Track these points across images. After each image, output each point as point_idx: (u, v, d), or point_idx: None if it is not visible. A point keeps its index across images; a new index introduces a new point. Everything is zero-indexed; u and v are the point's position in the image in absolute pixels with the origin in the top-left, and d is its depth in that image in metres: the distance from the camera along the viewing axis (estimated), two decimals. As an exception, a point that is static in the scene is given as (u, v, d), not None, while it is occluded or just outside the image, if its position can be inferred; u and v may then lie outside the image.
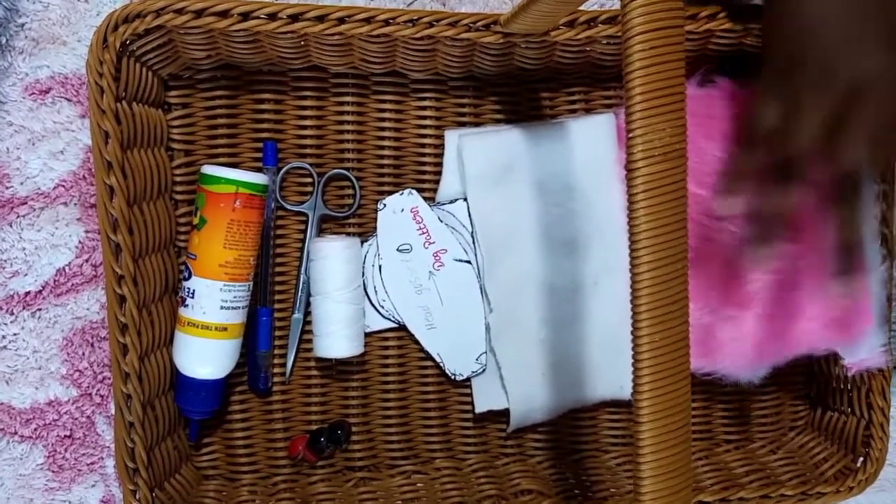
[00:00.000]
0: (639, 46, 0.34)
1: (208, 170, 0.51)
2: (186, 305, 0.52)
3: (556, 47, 0.53)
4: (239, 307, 0.53)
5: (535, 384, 0.58)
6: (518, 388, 0.58)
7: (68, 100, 0.54)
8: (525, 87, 0.59)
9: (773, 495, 0.58)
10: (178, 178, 0.55)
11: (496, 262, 0.57)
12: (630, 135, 0.35)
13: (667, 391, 0.36)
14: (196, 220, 0.52)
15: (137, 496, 0.51)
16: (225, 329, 0.52)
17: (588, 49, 0.54)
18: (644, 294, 0.35)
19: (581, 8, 0.50)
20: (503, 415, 0.59)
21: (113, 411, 0.52)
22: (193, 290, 0.52)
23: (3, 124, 0.53)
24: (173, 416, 0.54)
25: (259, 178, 0.52)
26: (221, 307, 0.52)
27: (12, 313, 0.55)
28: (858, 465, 0.59)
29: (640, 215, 0.35)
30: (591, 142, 0.57)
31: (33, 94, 0.54)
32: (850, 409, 0.61)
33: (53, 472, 0.57)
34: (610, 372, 0.59)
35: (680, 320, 0.36)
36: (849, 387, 0.60)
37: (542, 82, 0.59)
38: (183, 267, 0.53)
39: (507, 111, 0.59)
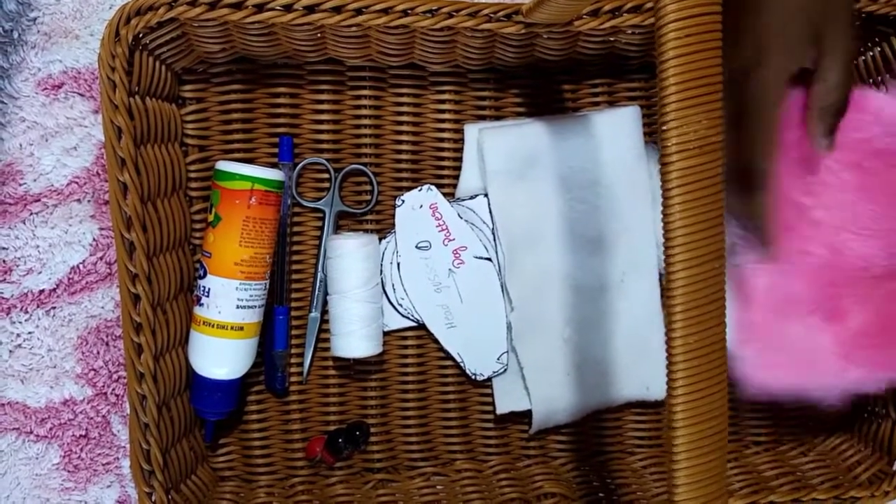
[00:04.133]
0: (673, 34, 0.32)
1: (223, 166, 0.50)
2: (202, 304, 0.51)
3: (579, 38, 0.51)
4: (255, 306, 0.52)
5: (558, 384, 0.57)
6: (541, 389, 0.57)
7: (81, 95, 0.53)
8: (547, 79, 0.57)
9: (804, 499, 0.56)
10: (192, 175, 0.54)
11: (518, 259, 0.56)
12: (664, 127, 0.33)
13: (702, 395, 0.34)
14: (211, 218, 0.51)
15: (153, 498, 0.50)
16: (241, 328, 0.51)
17: (612, 39, 0.52)
18: (679, 294, 0.34)
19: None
20: (525, 416, 0.58)
21: (128, 411, 0.51)
22: (209, 289, 0.51)
23: (16, 120, 0.53)
24: (189, 416, 0.54)
25: (275, 175, 0.51)
26: (237, 306, 0.51)
27: (27, 311, 0.54)
28: (894, 468, 0.57)
29: (674, 212, 0.33)
30: (617, 135, 0.55)
31: (46, 89, 0.53)
32: (884, 411, 0.59)
33: (69, 472, 0.56)
34: (635, 372, 0.58)
35: (716, 321, 0.35)
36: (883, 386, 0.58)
37: (565, 74, 0.57)
38: (198, 265, 0.52)
39: (529, 104, 0.57)
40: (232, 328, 0.51)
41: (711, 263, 0.35)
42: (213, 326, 0.51)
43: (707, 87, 0.33)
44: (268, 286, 0.53)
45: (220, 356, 0.51)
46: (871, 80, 0.57)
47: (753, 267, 0.53)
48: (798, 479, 0.59)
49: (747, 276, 0.52)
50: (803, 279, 0.53)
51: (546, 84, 0.57)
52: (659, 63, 0.33)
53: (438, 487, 0.57)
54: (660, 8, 0.32)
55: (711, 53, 0.33)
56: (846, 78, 0.48)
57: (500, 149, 0.55)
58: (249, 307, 0.51)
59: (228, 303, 0.50)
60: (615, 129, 0.55)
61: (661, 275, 0.58)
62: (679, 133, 0.33)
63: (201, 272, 0.51)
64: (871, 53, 0.56)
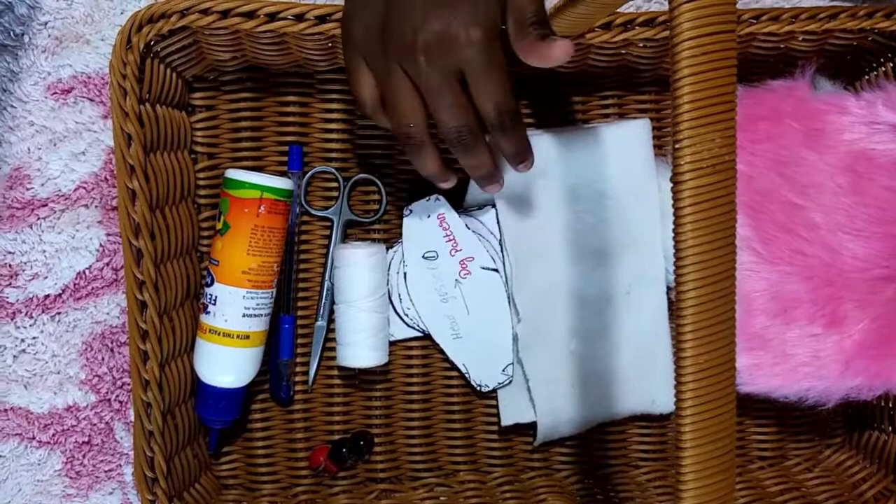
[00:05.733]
0: (688, 52, 0.32)
1: (232, 174, 0.50)
2: (208, 312, 0.51)
3: (590, 50, 0.51)
4: (262, 314, 0.51)
5: (563, 397, 0.56)
6: (546, 401, 0.56)
7: (90, 100, 0.53)
8: (557, 91, 0.57)
9: (810, 516, 0.56)
10: (201, 182, 0.54)
11: (525, 270, 0.55)
12: (677, 145, 0.33)
13: (711, 416, 0.34)
14: (219, 226, 0.50)
15: (156, 506, 0.49)
16: (247, 337, 0.51)
17: (623, 52, 0.52)
18: (689, 314, 0.34)
19: (617, 10, 0.48)
20: (530, 428, 0.58)
21: (132, 418, 0.51)
22: (215, 297, 0.50)
23: (25, 124, 0.53)
24: (193, 424, 0.53)
25: (284, 184, 0.51)
26: (244, 314, 0.50)
27: (31, 317, 0.54)
28: (900, 486, 0.57)
29: (686, 230, 0.33)
30: (627, 148, 0.55)
31: (55, 93, 0.53)
32: (890, 428, 0.58)
33: (71, 478, 0.56)
34: (641, 385, 0.57)
35: (726, 341, 0.34)
36: (889, 404, 0.58)
37: (575, 86, 0.57)
38: (205, 273, 0.52)
39: (538, 115, 0.57)
40: (238, 336, 0.51)
41: (722, 283, 0.34)
42: (219, 335, 0.50)
43: (722, 105, 0.33)
44: (274, 295, 0.53)
45: (226, 364, 0.51)
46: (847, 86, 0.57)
47: (751, 270, 0.54)
48: (803, 495, 0.59)
49: (744, 278, 0.52)
50: (801, 281, 0.54)
51: (556, 96, 0.57)
52: (673, 80, 0.32)
53: (442, 498, 0.57)
54: (675, 24, 0.32)
55: (727, 71, 0.33)
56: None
57: (509, 160, 0.54)
58: (256, 316, 0.51)
59: (235, 311, 0.50)
60: (625, 141, 0.55)
61: (668, 287, 0.57)
62: (693, 151, 0.33)
63: (208, 280, 0.51)
64: (882, 69, 0.56)
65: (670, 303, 0.58)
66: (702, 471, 0.35)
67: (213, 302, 0.50)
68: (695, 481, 0.35)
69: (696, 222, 0.33)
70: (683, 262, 0.34)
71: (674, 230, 0.34)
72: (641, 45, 0.51)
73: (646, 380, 0.57)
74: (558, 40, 0.42)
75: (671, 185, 0.33)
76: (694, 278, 0.33)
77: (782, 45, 0.53)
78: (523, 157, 0.47)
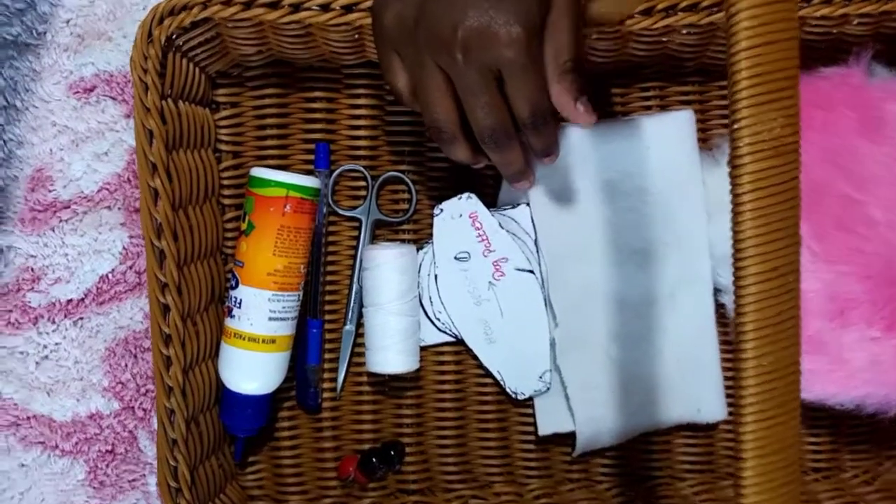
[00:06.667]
0: (746, 23, 0.29)
1: (257, 172, 0.48)
2: (233, 316, 0.49)
3: (629, 38, 0.49)
4: (288, 318, 0.49)
5: (603, 405, 0.54)
6: (585, 410, 0.53)
7: (113, 98, 0.52)
8: (595, 82, 0.54)
9: (872, 533, 0.52)
10: (225, 182, 0.52)
11: (562, 271, 0.53)
12: (735, 125, 0.30)
13: (775, 423, 0.31)
14: (244, 226, 0.49)
15: (180, 518, 0.47)
16: (273, 341, 0.49)
17: (665, 40, 0.49)
18: (750, 311, 0.31)
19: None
20: (568, 437, 0.55)
21: (156, 426, 0.49)
22: (240, 300, 0.48)
23: (47, 124, 0.51)
24: (218, 433, 0.51)
25: (311, 182, 0.49)
26: (270, 318, 0.48)
27: (54, 322, 0.53)
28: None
29: (745, 219, 0.30)
30: (669, 140, 0.53)
31: (77, 92, 0.52)
32: (957, 439, 0.55)
33: (95, 488, 0.54)
34: (686, 393, 0.54)
35: (790, 341, 0.31)
36: (956, 412, 0.54)
37: (614, 77, 0.54)
38: (230, 275, 0.50)
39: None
40: (263, 341, 0.49)
41: (786, 277, 0.32)
42: (244, 339, 0.49)
43: (783, 82, 0.30)
44: (301, 298, 0.51)
45: (251, 370, 0.49)
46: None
47: (805, 269, 0.50)
48: (863, 510, 0.55)
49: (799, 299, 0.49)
50: (859, 280, 0.50)
51: (594, 88, 0.54)
52: (730, 55, 0.30)
53: (476, 512, 0.55)
54: (730, -4, 0.29)
55: (788, 45, 0.30)
56: (575, 31, 0.42)
57: (544, 155, 0.52)
58: (282, 319, 0.49)
59: (260, 314, 0.48)
60: (666, 133, 0.52)
61: (715, 289, 0.54)
62: (752, 132, 0.30)
63: (233, 282, 0.49)
64: None
65: (717, 305, 0.54)
66: (764, 483, 0.32)
67: (237, 305, 0.49)
68: (757, 495, 0.32)
69: (757, 210, 0.30)
70: (743, 253, 0.31)
71: (732, 219, 0.31)
72: (685, 31, 0.48)
73: (691, 387, 0.54)
74: (583, 109, 0.43)
75: (728, 169, 0.31)
76: (755, 272, 0.31)
77: (835, 31, 0.50)
78: (550, 150, 0.47)
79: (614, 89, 0.55)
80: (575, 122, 0.44)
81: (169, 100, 0.46)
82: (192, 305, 0.48)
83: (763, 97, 0.30)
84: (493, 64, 0.41)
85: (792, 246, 0.32)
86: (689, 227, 0.53)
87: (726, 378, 0.55)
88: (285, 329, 0.50)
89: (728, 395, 0.55)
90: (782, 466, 0.33)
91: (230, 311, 0.49)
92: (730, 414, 0.54)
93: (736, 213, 0.31)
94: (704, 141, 0.55)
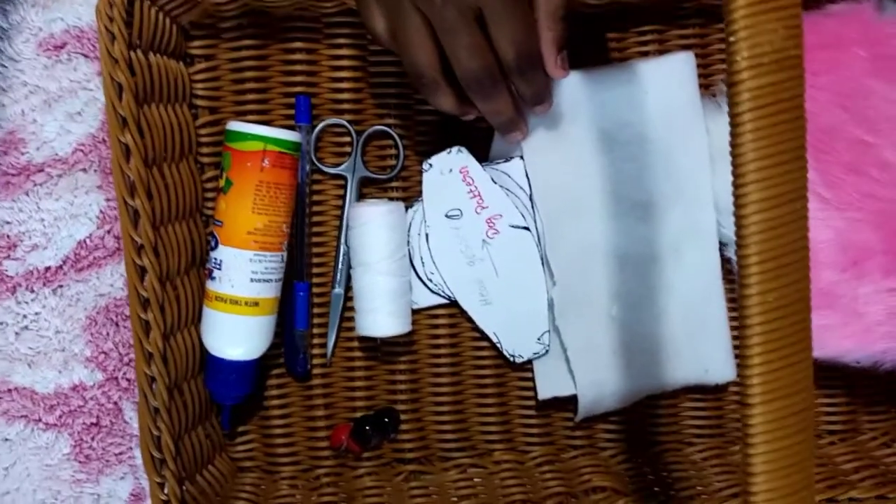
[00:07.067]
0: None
1: (234, 126, 0.46)
2: (213, 278, 0.47)
3: (624, -23, 0.46)
4: (271, 280, 0.47)
5: (605, 367, 0.51)
6: (586, 372, 0.51)
7: (85, 56, 0.50)
8: (588, 27, 0.51)
9: (891, 496, 0.49)
10: (203, 139, 0.50)
11: (559, 227, 0.50)
12: (731, 38, 0.28)
13: (784, 365, 0.29)
14: (222, 183, 0.47)
15: (165, 490, 0.46)
16: (256, 304, 0.47)
17: (662, -23, 0.46)
18: (754, 242, 0.28)
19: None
20: (570, 402, 0.53)
21: (140, 396, 0.48)
22: (221, 261, 0.46)
23: (17, 84, 0.50)
24: (205, 401, 0.50)
25: (289, 135, 0.46)
26: (251, 279, 0.46)
27: (32, 290, 0.51)
28: None
29: (745, 141, 0.28)
30: (669, 85, 0.50)
31: (48, 50, 0.49)
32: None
33: (80, 462, 0.52)
34: (692, 353, 0.52)
35: (800, 274, 0.29)
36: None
37: (609, 21, 0.52)
38: (210, 236, 0.48)
39: (568, 55, 0.52)
40: (246, 303, 0.47)
41: (792, 204, 0.29)
42: (225, 302, 0.47)
43: (784, -11, 0.28)
44: (285, 259, 0.48)
45: (235, 334, 0.47)
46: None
47: (815, 218, 0.48)
48: (882, 472, 0.52)
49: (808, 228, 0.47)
50: (874, 228, 0.48)
51: (587, 33, 0.51)
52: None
53: (476, 480, 0.53)
54: None
55: (789, -54, 0.27)
56: None
57: (538, 105, 0.49)
58: (265, 281, 0.47)
59: (242, 276, 0.46)
60: (666, 77, 0.50)
61: (721, 244, 0.52)
62: (750, 45, 0.27)
63: (213, 243, 0.47)
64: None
65: (723, 260, 0.52)
66: (775, 431, 0.29)
67: (218, 266, 0.47)
68: (766, 444, 0.29)
69: (758, 130, 0.28)
70: (743, 179, 0.28)
71: (731, 142, 0.28)
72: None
73: (698, 347, 0.52)
74: (561, 63, 0.44)
75: (725, 88, 0.28)
76: (757, 198, 0.28)
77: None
78: (542, 98, 0.45)
79: (609, 34, 0.52)
80: (549, 74, 0.44)
81: (138, 51, 0.44)
82: (171, 268, 0.46)
83: (762, 6, 0.27)
84: (473, 2, 0.39)
85: (798, 170, 0.29)
86: (691, 177, 0.51)
87: (734, 335, 0.52)
88: (269, 291, 0.47)
89: (736, 348, 0.52)
90: (793, 413, 0.30)
91: (211, 272, 0.47)
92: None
93: (735, 136, 0.28)
94: (706, 87, 0.52)
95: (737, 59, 0.28)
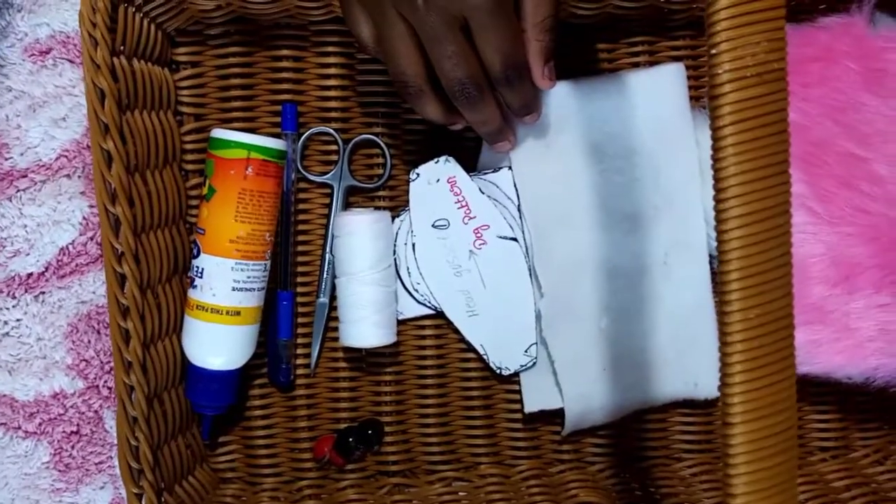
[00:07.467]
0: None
1: (217, 133, 0.46)
2: (195, 286, 0.46)
3: (614, -12, 0.45)
4: (254, 289, 0.47)
5: (593, 380, 0.51)
6: (574, 385, 0.51)
7: (70, 61, 0.49)
8: (579, 37, 0.51)
9: (882, 514, 0.49)
10: (188, 147, 0.50)
11: (547, 239, 0.50)
12: (713, 50, 0.27)
13: (766, 384, 0.28)
14: (205, 191, 0.46)
15: (143, 501, 0.45)
16: (238, 313, 0.46)
17: (652, -12, 0.46)
18: (735, 258, 0.28)
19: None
20: (557, 415, 0.52)
21: (121, 405, 0.47)
22: (202, 269, 0.46)
23: (2, 89, 0.49)
24: (185, 411, 0.49)
25: (274, 143, 0.46)
26: (233, 288, 0.46)
27: (14, 297, 0.51)
28: None
29: (727, 155, 0.27)
30: (658, 96, 0.49)
31: (33, 55, 0.49)
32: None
33: (60, 471, 0.52)
34: (682, 366, 0.51)
35: (782, 291, 0.28)
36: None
37: (600, 31, 0.51)
38: (192, 244, 0.47)
39: (558, 66, 0.51)
40: (228, 313, 0.46)
41: (775, 220, 0.28)
42: (207, 311, 0.46)
43: (768, 1, 0.27)
44: (269, 267, 0.48)
45: (216, 344, 0.47)
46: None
47: (806, 232, 0.47)
48: (873, 490, 0.52)
49: (799, 242, 0.46)
50: (866, 242, 0.47)
51: (578, 43, 0.51)
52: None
53: (461, 494, 0.52)
54: None
55: (772, -42, 0.27)
56: None
57: (526, 115, 0.49)
58: (247, 290, 0.46)
59: (223, 284, 0.46)
60: (656, 89, 0.49)
61: (711, 256, 0.51)
62: (732, 57, 0.27)
63: (195, 251, 0.47)
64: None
65: (713, 273, 0.51)
66: (756, 451, 0.28)
67: (199, 275, 0.46)
68: (747, 465, 0.29)
69: (740, 145, 0.27)
70: (725, 194, 0.28)
71: (712, 156, 0.28)
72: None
73: (687, 360, 0.51)
74: (548, 74, 0.43)
75: (707, 101, 0.28)
76: (738, 213, 0.27)
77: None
78: (529, 109, 0.45)
79: (600, 45, 0.52)
80: (537, 84, 0.43)
81: (122, 57, 0.43)
82: (153, 276, 0.45)
83: (745, 17, 0.27)
84: (458, 11, 0.38)
85: (781, 185, 0.28)
86: (681, 189, 0.50)
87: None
88: (251, 300, 0.47)
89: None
90: (775, 433, 0.29)
91: (192, 281, 0.47)
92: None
93: (716, 150, 0.28)
94: (697, 99, 0.51)
95: (718, 72, 0.27)
